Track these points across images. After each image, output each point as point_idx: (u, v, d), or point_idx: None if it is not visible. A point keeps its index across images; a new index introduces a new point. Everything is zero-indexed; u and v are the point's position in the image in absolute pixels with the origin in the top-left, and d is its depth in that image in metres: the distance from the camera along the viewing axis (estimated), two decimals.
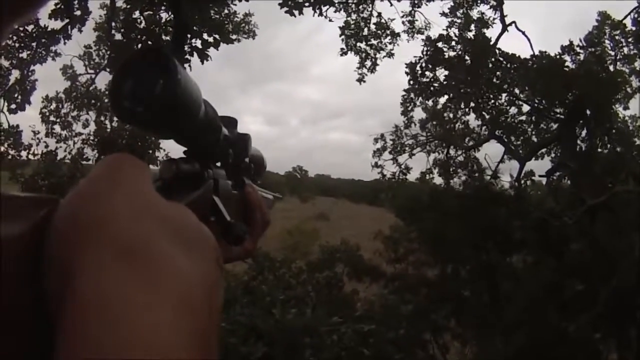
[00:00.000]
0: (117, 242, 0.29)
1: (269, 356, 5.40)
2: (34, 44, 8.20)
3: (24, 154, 8.86)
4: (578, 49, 9.39)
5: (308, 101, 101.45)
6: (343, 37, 10.84)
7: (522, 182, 9.79)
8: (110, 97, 0.45)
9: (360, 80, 10.95)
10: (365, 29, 10.86)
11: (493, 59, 9.52)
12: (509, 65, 9.48)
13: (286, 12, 7.11)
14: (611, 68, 9.56)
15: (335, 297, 11.00)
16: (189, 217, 0.36)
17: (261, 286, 8.92)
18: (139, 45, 7.46)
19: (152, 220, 0.32)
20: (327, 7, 8.59)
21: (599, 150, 8.84)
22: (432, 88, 10.66)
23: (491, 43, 9.66)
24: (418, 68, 10.30)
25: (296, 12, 7.10)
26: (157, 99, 0.43)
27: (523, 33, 9.98)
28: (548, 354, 5.09)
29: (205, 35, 7.35)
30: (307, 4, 7.15)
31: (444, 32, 10.14)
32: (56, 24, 7.94)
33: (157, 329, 0.27)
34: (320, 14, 7.46)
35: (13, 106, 8.29)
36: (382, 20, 10.80)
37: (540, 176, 9.78)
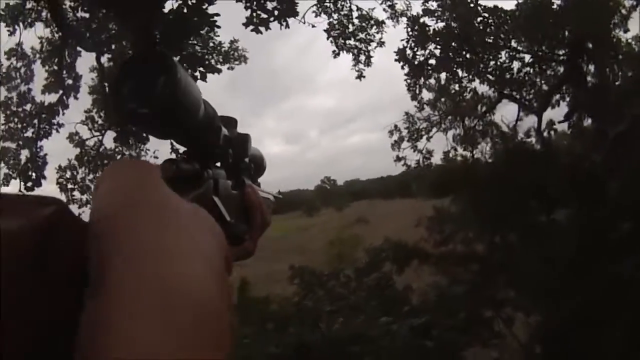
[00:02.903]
0: (160, 211, 0.33)
1: None
2: (35, 121, 8.56)
3: None
4: None
5: (322, 110, 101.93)
6: (331, 39, 10.88)
7: (545, 133, 9.44)
8: (112, 98, 0.47)
9: (360, 76, 10.90)
10: (350, 25, 10.85)
11: (479, 19, 9.26)
12: (496, 21, 9.20)
13: (252, 30, 7.14)
14: None
15: (387, 297, 10.81)
16: (204, 211, 0.39)
17: (308, 303, 8.87)
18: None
19: (178, 203, 0.35)
20: (301, 14, 8.63)
21: (612, 79, 8.40)
22: (429, 67, 10.46)
23: (471, 3, 9.40)
24: (408, 51, 10.13)
25: (262, 29, 7.12)
26: (157, 99, 0.44)
27: None
28: (607, 303, 4.78)
29: (190, 71, 7.48)
30: (272, 19, 7.14)
31: (424, 7, 9.97)
32: (52, 97, 8.30)
33: (200, 275, 0.30)
34: (287, 26, 7.44)
35: (29, 184, 8.60)
36: (364, 13, 10.77)
37: (559, 122, 9.40)
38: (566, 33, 8.54)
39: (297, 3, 7.39)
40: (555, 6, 8.77)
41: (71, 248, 0.30)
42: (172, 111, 0.45)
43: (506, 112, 11.52)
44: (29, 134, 8.73)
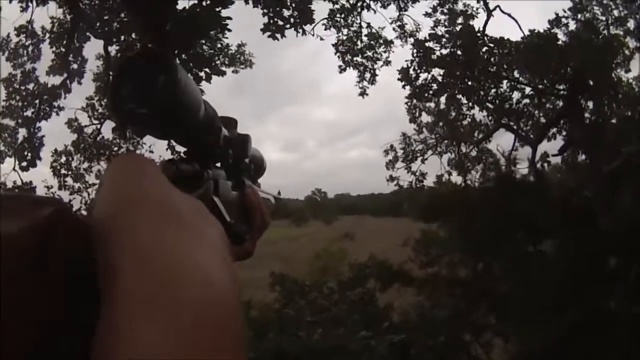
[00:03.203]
0: (164, 208, 0.32)
1: None
2: (36, 102, 8.48)
3: None
4: (565, 20, 9.23)
5: (323, 122, 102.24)
6: (338, 54, 10.99)
7: (539, 165, 9.55)
8: (110, 98, 0.45)
9: (363, 93, 11.01)
10: (359, 42, 10.99)
11: (484, 48, 9.43)
12: (501, 51, 9.37)
13: (269, 36, 7.24)
14: (605, 33, 9.33)
15: (369, 313, 10.79)
16: (204, 207, 0.39)
17: (289, 311, 8.82)
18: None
19: (182, 198, 0.36)
20: (312, 25, 8.74)
21: (608, 117, 8.57)
22: (430, 90, 10.60)
23: (478, 33, 9.58)
24: (411, 72, 10.27)
25: (278, 35, 7.22)
26: (157, 99, 0.44)
27: (509, 15, 9.84)
28: (589, 335, 4.82)
29: (196, 71, 7.52)
30: (288, 26, 7.26)
31: (432, 32, 10.14)
32: (55, 80, 8.24)
33: (214, 273, 0.30)
34: (304, 33, 7.56)
35: (24, 164, 8.51)
36: (373, 31, 10.93)
37: (553, 155, 9.54)
38: (568, 69, 8.70)
39: (314, 11, 7.51)
40: (560, 42, 8.96)
41: (71, 248, 0.30)
42: (172, 111, 0.45)
43: (502, 141, 11.69)
44: (28, 113, 8.66)
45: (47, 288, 0.29)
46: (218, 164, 0.62)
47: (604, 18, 9.44)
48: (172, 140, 0.54)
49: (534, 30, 9.27)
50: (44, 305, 0.28)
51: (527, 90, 10.05)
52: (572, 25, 9.34)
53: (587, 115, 9.01)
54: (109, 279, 0.28)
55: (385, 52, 10.84)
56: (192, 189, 0.51)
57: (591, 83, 8.61)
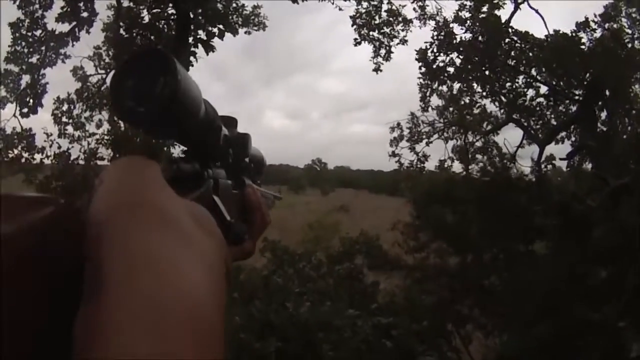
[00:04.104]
0: (160, 217, 0.32)
1: (283, 351, 5.36)
2: (43, 48, 8.31)
3: (37, 157, 8.96)
4: (593, 25, 9.01)
5: (331, 94, 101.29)
6: (355, 26, 10.74)
7: (543, 166, 9.52)
8: (110, 97, 0.45)
9: (377, 69, 10.83)
10: (377, 17, 10.72)
11: (507, 40, 9.21)
12: (523, 46, 9.16)
13: None
14: (629, 46, 9.12)
15: (356, 289, 10.94)
16: (205, 212, 0.40)
17: (277, 279, 8.92)
18: (142, 41, 7.53)
19: (180, 205, 0.36)
20: None
21: (620, 131, 8.49)
22: (446, 74, 10.42)
23: (503, 24, 9.34)
24: (429, 54, 10.06)
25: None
26: (157, 99, 0.43)
27: (536, 11, 9.62)
28: (571, 344, 4.92)
29: (209, 27, 7.34)
30: None
31: (456, 14, 9.87)
32: (64, 27, 8.04)
33: (198, 287, 0.30)
34: None
35: (25, 110, 8.47)
36: (393, 7, 10.64)
37: (560, 159, 9.49)
38: (587, 75, 8.55)
39: None
40: (583, 46, 8.77)
41: (71, 248, 0.31)
42: (172, 111, 0.45)
43: (510, 136, 11.60)
44: (33, 60, 8.51)
45: (47, 288, 0.29)
46: (218, 163, 0.62)
47: (630, 31, 9.22)
48: (172, 140, 0.54)
49: (559, 30, 9.07)
50: (44, 306, 0.29)
51: (543, 89, 9.88)
52: (598, 33, 9.14)
53: (599, 125, 8.91)
54: (96, 284, 0.28)
55: (403, 30, 10.63)
56: (193, 188, 0.52)
57: (607, 93, 8.47)
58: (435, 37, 10.10)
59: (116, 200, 0.33)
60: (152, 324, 0.27)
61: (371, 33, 10.77)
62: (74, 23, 7.82)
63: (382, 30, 10.75)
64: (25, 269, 0.28)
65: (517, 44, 9.34)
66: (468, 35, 9.79)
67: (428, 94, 11.47)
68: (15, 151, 8.80)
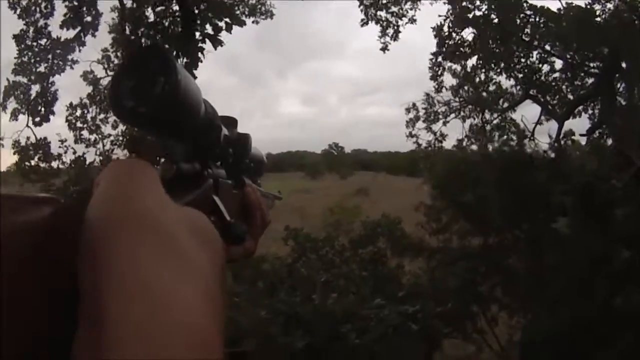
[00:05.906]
0: (153, 234, 0.32)
1: (309, 345, 5.42)
2: (49, 57, 8.29)
3: (54, 164, 8.93)
4: None
5: (346, 78, 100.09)
6: (362, 7, 10.55)
7: (562, 142, 9.28)
8: (110, 97, 0.45)
9: (384, 49, 10.66)
10: None
11: (521, 15, 8.93)
12: (537, 20, 8.87)
13: None
14: None
15: (380, 272, 10.96)
16: (202, 218, 0.39)
17: (301, 269, 8.99)
18: (147, 40, 7.48)
19: (176, 218, 0.35)
20: None
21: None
22: (460, 50, 10.19)
23: None
24: (445, 29, 9.82)
25: None
26: (157, 99, 0.43)
27: None
28: (594, 328, 4.89)
29: (215, 20, 7.27)
30: None
31: None
32: (69, 34, 8.01)
33: (192, 313, 0.30)
34: None
35: (37, 119, 8.45)
36: None
37: (580, 135, 9.23)
38: (604, 47, 8.23)
39: None
40: (599, 18, 8.44)
41: (71, 248, 0.31)
42: (173, 111, 0.45)
43: (527, 113, 11.29)
44: (41, 69, 8.47)
45: (47, 288, 0.29)
46: (218, 163, 0.62)
47: None
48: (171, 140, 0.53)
49: (572, 3, 8.74)
50: (44, 306, 0.29)
51: (558, 64, 9.59)
52: (613, 4, 8.72)
53: (618, 98, 8.59)
54: (92, 312, 0.29)
55: (411, 9, 10.40)
56: (193, 188, 0.52)
57: (625, 65, 8.15)
58: (449, 13, 9.87)
59: (111, 211, 0.32)
60: (148, 351, 0.27)
61: (378, 13, 10.57)
62: (79, 28, 7.76)
63: (389, 10, 10.54)
64: (25, 269, 0.28)
65: (530, 19, 9.05)
66: (481, 11, 9.53)
67: (439, 72, 11.28)
68: (32, 162, 8.83)
